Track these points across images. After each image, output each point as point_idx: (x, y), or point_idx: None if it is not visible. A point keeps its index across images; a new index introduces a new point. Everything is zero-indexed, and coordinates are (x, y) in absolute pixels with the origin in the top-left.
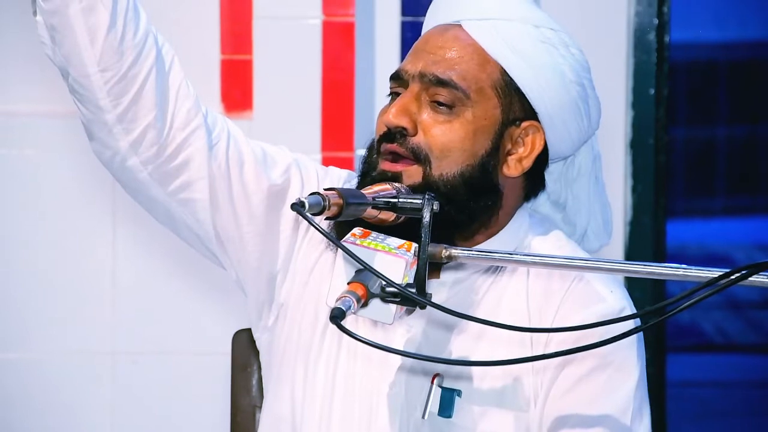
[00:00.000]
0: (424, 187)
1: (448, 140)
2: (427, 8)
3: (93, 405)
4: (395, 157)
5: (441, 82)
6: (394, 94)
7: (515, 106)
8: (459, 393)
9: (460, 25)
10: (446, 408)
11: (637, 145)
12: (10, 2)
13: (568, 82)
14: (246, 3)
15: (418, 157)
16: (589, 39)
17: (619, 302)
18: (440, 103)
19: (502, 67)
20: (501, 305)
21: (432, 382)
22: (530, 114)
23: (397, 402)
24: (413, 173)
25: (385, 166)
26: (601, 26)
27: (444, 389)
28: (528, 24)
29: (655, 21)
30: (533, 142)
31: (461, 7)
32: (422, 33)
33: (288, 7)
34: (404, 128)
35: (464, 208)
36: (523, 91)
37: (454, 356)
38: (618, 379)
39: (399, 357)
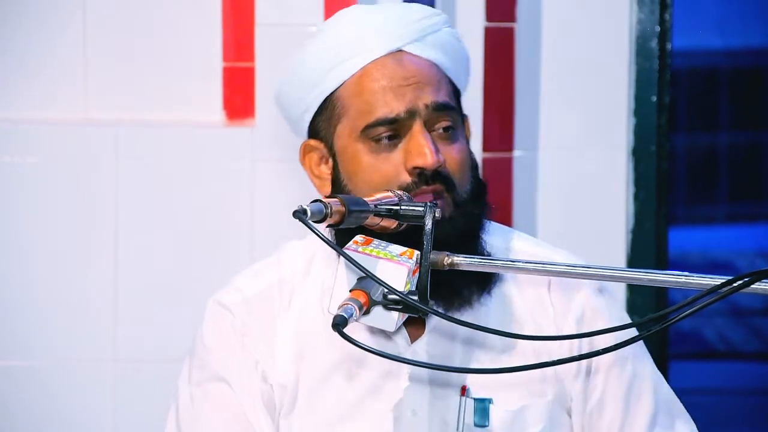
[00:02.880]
0: (457, 214)
1: (461, 160)
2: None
3: (95, 413)
4: (437, 195)
5: (446, 107)
6: (388, 138)
7: (459, 103)
8: (491, 401)
9: (401, 51)
10: (482, 417)
11: (639, 153)
12: (14, 8)
13: (466, 61)
14: (248, 10)
15: (449, 188)
16: (592, 46)
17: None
18: (447, 128)
19: (446, 73)
20: (506, 315)
21: (462, 394)
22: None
23: (423, 421)
24: (448, 204)
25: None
26: (604, 33)
27: (476, 400)
28: (442, 24)
29: (657, 28)
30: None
31: (398, 35)
32: (347, 73)
33: (290, 15)
34: (443, 164)
35: (479, 219)
36: (456, 85)
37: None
38: (640, 364)
39: (410, 376)
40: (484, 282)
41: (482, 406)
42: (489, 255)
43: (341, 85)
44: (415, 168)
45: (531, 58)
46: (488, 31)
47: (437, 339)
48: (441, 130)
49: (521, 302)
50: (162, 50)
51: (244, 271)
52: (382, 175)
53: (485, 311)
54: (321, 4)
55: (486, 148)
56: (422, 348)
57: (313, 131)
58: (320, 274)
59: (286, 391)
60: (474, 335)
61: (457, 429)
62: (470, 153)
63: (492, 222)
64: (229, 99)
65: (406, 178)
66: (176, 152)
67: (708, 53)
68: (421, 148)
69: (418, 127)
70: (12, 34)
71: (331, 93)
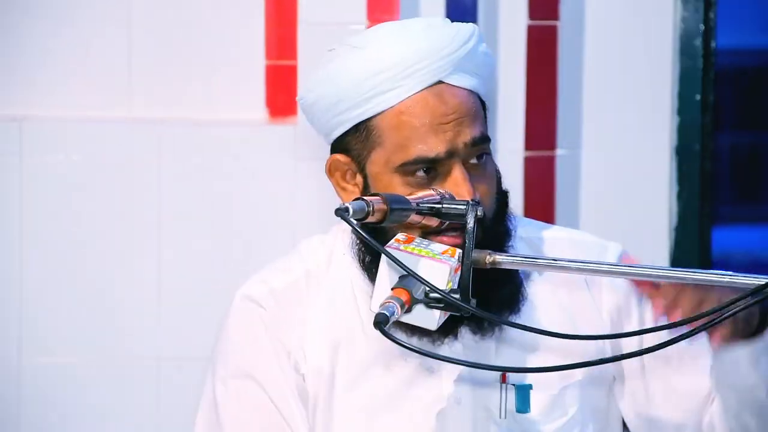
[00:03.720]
0: (484, 238)
1: (491, 187)
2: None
3: (138, 411)
4: None
5: (484, 139)
6: (425, 171)
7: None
8: (531, 387)
9: (441, 83)
10: (523, 403)
11: (682, 151)
12: (60, 7)
13: (494, 70)
14: (291, 9)
15: (480, 220)
16: (636, 44)
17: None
18: (481, 155)
19: (481, 97)
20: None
21: (503, 381)
22: None
23: (467, 410)
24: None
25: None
26: (648, 32)
27: (517, 386)
28: (476, 42)
29: (702, 26)
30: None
31: (439, 66)
32: (386, 104)
33: (333, 13)
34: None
35: (504, 236)
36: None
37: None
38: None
39: (450, 367)
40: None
41: (523, 393)
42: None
43: (380, 114)
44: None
45: (574, 56)
46: (531, 30)
47: (470, 333)
48: (475, 160)
49: (554, 299)
50: (205, 48)
51: (267, 267)
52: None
53: (524, 310)
54: (363, 3)
55: (528, 146)
56: (458, 342)
57: (343, 147)
58: (342, 266)
59: (322, 378)
60: (505, 330)
61: (500, 416)
62: (496, 168)
63: (520, 218)
64: (272, 97)
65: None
66: (219, 150)
67: (753, 52)
68: (460, 189)
69: (458, 168)
70: (58, 33)
71: (369, 118)
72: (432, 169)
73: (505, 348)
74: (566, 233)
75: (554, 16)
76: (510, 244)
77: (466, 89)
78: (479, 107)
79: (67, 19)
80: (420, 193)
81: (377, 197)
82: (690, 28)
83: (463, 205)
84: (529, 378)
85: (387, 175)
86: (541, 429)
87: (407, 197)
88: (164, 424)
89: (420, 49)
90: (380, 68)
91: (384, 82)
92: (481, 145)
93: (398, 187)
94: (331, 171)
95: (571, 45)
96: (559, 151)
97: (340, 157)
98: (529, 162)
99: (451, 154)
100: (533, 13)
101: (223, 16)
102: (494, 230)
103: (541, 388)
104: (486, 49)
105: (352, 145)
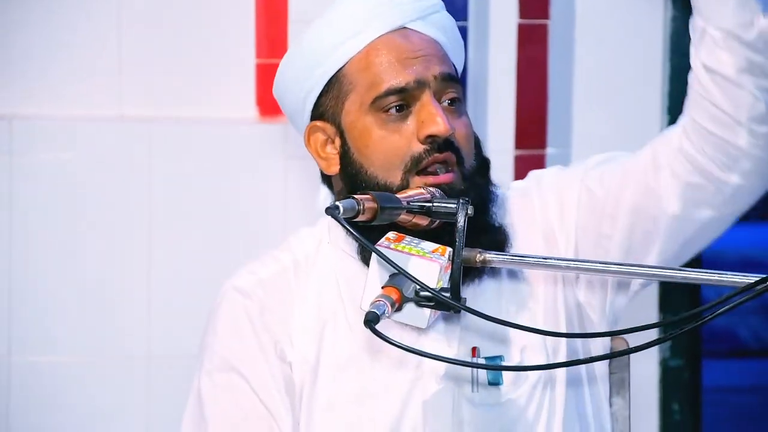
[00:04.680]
0: (466, 187)
1: (468, 133)
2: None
3: (128, 409)
4: (447, 167)
5: (452, 78)
6: (398, 107)
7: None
8: (502, 358)
9: (406, 28)
10: (495, 375)
11: None
12: (50, 6)
13: (461, 48)
14: (281, 6)
15: (459, 160)
16: (626, 43)
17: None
18: (454, 100)
19: (448, 54)
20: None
21: (473, 356)
22: None
23: (447, 391)
24: (458, 177)
25: (445, 178)
26: (638, 30)
27: (488, 358)
28: (440, 7)
29: None
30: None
31: (402, 11)
32: (353, 50)
33: (323, 11)
34: (453, 133)
35: (487, 190)
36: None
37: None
38: None
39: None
40: (477, 271)
41: (494, 363)
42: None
43: (347, 63)
44: (428, 137)
45: (564, 54)
46: (521, 28)
47: (452, 323)
48: (447, 103)
49: (530, 292)
50: (195, 47)
51: (256, 259)
52: (394, 146)
53: (496, 302)
54: None
55: (519, 145)
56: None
57: (318, 113)
58: (329, 258)
59: (307, 366)
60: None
61: (474, 390)
62: (471, 127)
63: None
64: (262, 96)
65: (418, 148)
66: (209, 149)
67: None
68: (434, 117)
69: (427, 96)
70: (47, 31)
71: (337, 71)
72: (404, 105)
73: (473, 332)
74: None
75: (545, 14)
76: (494, 210)
77: (432, 38)
78: (447, 57)
79: (57, 17)
80: (410, 192)
81: (367, 196)
82: (680, 27)
83: (454, 203)
84: (503, 350)
85: (361, 119)
86: (511, 396)
87: (398, 196)
88: (155, 422)
89: None
90: (344, 18)
91: (348, 29)
92: (452, 83)
93: (374, 129)
94: (309, 139)
95: (562, 44)
96: (550, 150)
97: (317, 122)
98: (519, 161)
99: (420, 84)
100: (524, 11)
101: (214, 15)
102: (477, 185)
103: (517, 359)
104: (451, 18)
105: (326, 105)
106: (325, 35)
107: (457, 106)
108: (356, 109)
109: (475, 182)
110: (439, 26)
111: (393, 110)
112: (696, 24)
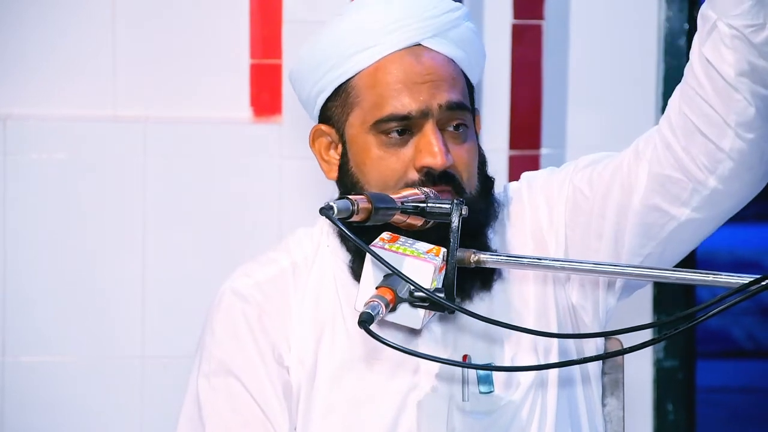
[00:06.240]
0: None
1: (470, 160)
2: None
3: (122, 409)
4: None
5: (459, 106)
6: (398, 132)
7: (472, 98)
8: (491, 364)
9: (420, 45)
10: (486, 382)
11: None
12: (43, 6)
13: (483, 56)
14: (276, 7)
15: (457, 189)
16: (620, 44)
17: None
18: (458, 126)
19: (461, 68)
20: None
21: (464, 361)
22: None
23: (443, 396)
24: None
25: None
26: (632, 31)
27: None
28: (463, 18)
29: (686, 26)
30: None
31: (417, 28)
32: (364, 63)
33: (318, 11)
34: (451, 165)
35: (488, 214)
36: (470, 80)
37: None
38: None
39: (425, 361)
40: (486, 278)
41: (485, 372)
42: (496, 251)
43: (357, 75)
44: (423, 167)
45: (559, 55)
46: (516, 29)
47: (445, 327)
48: (452, 129)
49: (520, 294)
50: (190, 47)
51: (253, 259)
52: (391, 169)
53: (487, 305)
54: (348, 1)
55: (513, 145)
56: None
57: (325, 116)
58: (327, 260)
59: (304, 369)
60: (473, 325)
61: (464, 399)
62: (479, 149)
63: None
64: (257, 96)
65: (414, 176)
66: (203, 149)
67: None
68: (431, 148)
69: (429, 126)
70: (42, 31)
71: (347, 80)
72: (406, 130)
73: (475, 339)
74: None
75: (539, 15)
76: (490, 236)
77: (446, 56)
78: (460, 77)
79: (51, 17)
80: (405, 192)
81: (361, 196)
82: (674, 27)
83: (448, 203)
84: (495, 357)
85: (362, 136)
86: (504, 402)
87: (392, 196)
88: (148, 422)
89: (402, 8)
90: (361, 26)
91: (364, 40)
92: (458, 111)
93: (374, 148)
94: (313, 141)
95: (556, 44)
96: (544, 151)
97: (323, 126)
98: (513, 161)
99: (424, 114)
100: (518, 12)
101: (208, 15)
102: (478, 209)
103: (499, 361)
104: (473, 28)
105: (333, 111)
106: (342, 39)
107: (462, 131)
108: (359, 124)
109: (473, 208)
110: (458, 41)
111: (394, 133)
112: (706, 15)
